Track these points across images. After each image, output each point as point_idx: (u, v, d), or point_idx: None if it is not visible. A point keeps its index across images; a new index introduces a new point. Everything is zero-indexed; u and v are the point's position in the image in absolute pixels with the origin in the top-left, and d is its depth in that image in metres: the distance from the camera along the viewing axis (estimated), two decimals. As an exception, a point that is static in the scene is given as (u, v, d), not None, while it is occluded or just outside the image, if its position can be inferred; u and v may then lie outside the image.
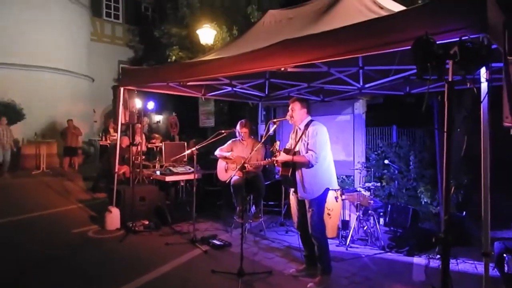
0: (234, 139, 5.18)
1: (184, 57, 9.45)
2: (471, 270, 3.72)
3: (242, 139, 5.06)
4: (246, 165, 3.77)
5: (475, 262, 3.83)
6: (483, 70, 2.22)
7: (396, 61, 2.80)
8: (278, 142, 3.53)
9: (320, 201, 3.31)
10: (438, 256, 3.97)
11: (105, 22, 16.95)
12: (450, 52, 1.74)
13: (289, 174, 3.35)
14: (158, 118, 15.17)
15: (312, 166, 3.24)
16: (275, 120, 3.71)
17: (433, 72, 1.73)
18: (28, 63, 12.59)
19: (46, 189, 8.36)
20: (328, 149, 3.37)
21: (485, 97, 2.23)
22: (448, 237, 1.77)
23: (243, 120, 5.16)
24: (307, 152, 3.25)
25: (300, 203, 3.45)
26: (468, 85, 1.96)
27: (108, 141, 10.26)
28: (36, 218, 5.84)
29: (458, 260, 3.89)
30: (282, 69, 3.29)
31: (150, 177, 6.20)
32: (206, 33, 7.81)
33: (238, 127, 5.05)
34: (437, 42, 1.76)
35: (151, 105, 7.39)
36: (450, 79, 1.77)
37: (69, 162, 11.30)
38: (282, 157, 3.37)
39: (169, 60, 9.62)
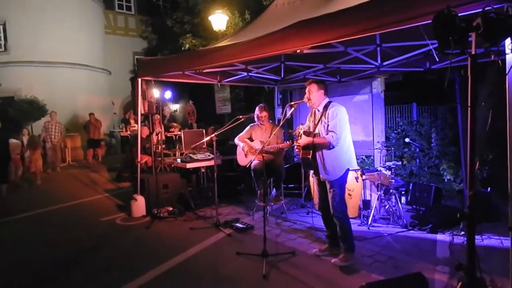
0: (252, 124, 5.21)
1: (198, 45, 9.44)
2: (497, 245, 3.68)
3: (261, 124, 5.09)
4: (265, 149, 3.79)
5: (501, 237, 3.78)
6: (508, 41, 2.14)
7: (426, 37, 2.69)
8: (301, 126, 3.50)
9: (341, 182, 3.33)
10: (463, 232, 3.94)
11: (118, 14, 17.08)
12: (473, 24, 1.68)
13: (310, 156, 3.36)
14: (175, 107, 15.34)
15: (333, 147, 3.24)
16: (292, 103, 3.69)
17: (455, 46, 1.68)
18: (48, 60, 12.95)
19: (73, 181, 8.70)
20: (348, 130, 3.35)
21: (510, 69, 2.15)
22: (473, 212, 1.76)
23: (262, 104, 5.18)
24: (327, 134, 3.25)
25: (321, 184, 3.47)
26: (492, 58, 1.90)
27: (129, 132, 10.49)
28: (68, 208, 6.12)
29: (483, 236, 3.85)
30: (298, 51, 3.26)
31: (172, 165, 6.34)
32: (219, 19, 7.75)
33: (257, 111, 5.07)
34: (459, 15, 1.70)
35: (168, 94, 7.47)
36: (473, 52, 1.73)
37: (92, 154, 11.64)
38: (303, 140, 3.37)
39: (182, 48, 9.64)
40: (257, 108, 5.12)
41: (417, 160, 5.68)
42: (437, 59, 4.33)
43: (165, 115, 9.45)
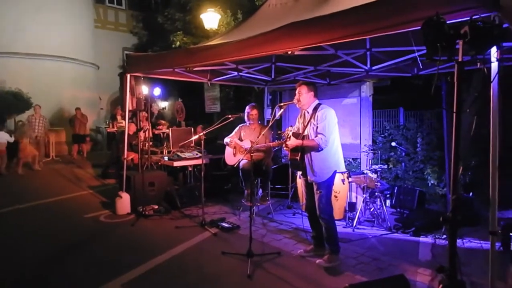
0: (241, 124, 5.21)
1: (189, 43, 9.37)
2: (477, 248, 3.76)
3: (250, 123, 5.09)
4: (253, 148, 3.78)
5: (481, 241, 3.87)
6: (493, 50, 2.19)
7: (413, 43, 2.73)
8: (290, 127, 3.50)
9: (328, 184, 3.35)
10: (445, 236, 4.02)
11: (108, 9, 16.79)
12: (461, 32, 1.72)
13: (298, 158, 3.37)
14: (163, 104, 15.20)
15: (322, 149, 3.26)
16: (282, 104, 3.71)
17: (443, 53, 1.71)
18: (34, 52, 12.62)
19: (57, 176, 8.51)
20: (336, 133, 3.38)
21: (495, 77, 2.21)
22: (456, 216, 1.79)
23: (253, 103, 5.20)
24: (316, 136, 3.27)
25: (309, 186, 3.49)
26: (478, 65, 1.94)
27: (115, 128, 10.33)
28: (49, 204, 5.99)
29: (464, 240, 3.94)
30: (289, 52, 3.27)
31: (159, 162, 6.27)
32: (210, 18, 7.71)
33: (248, 109, 5.09)
34: (448, 22, 1.73)
35: (157, 91, 7.40)
36: (460, 59, 1.76)
37: (77, 150, 11.43)
38: (292, 142, 3.38)
39: (173, 46, 9.55)
40: (247, 107, 5.13)
41: (403, 164, 5.78)
42: (421, 66, 4.42)
43: (153, 112, 9.34)
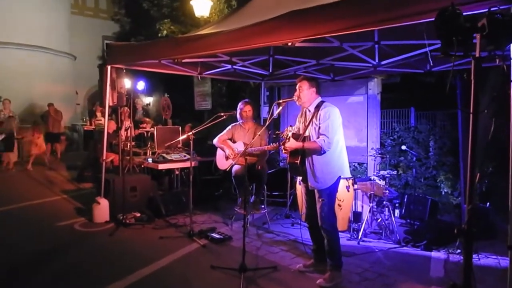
0: (234, 124, 5.20)
1: (177, 32, 9.37)
2: (494, 265, 3.79)
3: (243, 123, 5.07)
4: (248, 151, 3.77)
5: (499, 257, 3.89)
6: (514, 45, 2.22)
7: (425, 37, 2.75)
8: (290, 128, 3.48)
9: (331, 191, 3.36)
10: (459, 250, 4.04)
11: (87, -8, 16.76)
12: (478, 25, 1.74)
13: (298, 161, 3.37)
14: (148, 100, 15.15)
15: (324, 152, 3.27)
16: (280, 101, 3.71)
17: (458, 48, 1.73)
18: (2, 40, 12.50)
19: (27, 180, 8.43)
20: (341, 134, 3.39)
21: (515, 75, 2.23)
22: (471, 228, 1.81)
23: (246, 99, 5.19)
24: (318, 137, 3.28)
25: (309, 193, 3.50)
26: (497, 62, 1.96)
27: (94, 126, 10.28)
28: (16, 211, 5.93)
29: (479, 255, 3.96)
30: (289, 44, 3.28)
31: (142, 165, 6.25)
32: (201, 4, 7.71)
33: (240, 105, 5.07)
34: (464, 14, 1.75)
35: (141, 85, 7.39)
36: (477, 55, 1.78)
37: (50, 150, 11.34)
38: (291, 144, 3.37)
39: (159, 35, 9.56)
40: (240, 103, 5.11)
41: (413, 170, 5.81)
42: (433, 63, 4.45)
43: (136, 109, 9.32)
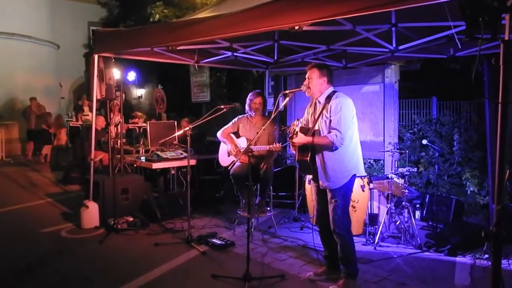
0: (240, 116, 5.20)
1: (171, 16, 9.38)
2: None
3: (251, 116, 5.07)
4: (249, 149, 3.76)
5: (532, 262, 3.90)
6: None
7: (449, 18, 2.73)
8: (297, 121, 3.45)
9: (345, 191, 3.36)
10: (486, 255, 4.04)
11: (70, -27, 16.79)
12: (507, 4, 1.73)
13: (308, 159, 3.38)
14: (140, 92, 15.20)
15: (336, 148, 3.27)
16: (287, 91, 3.71)
17: (485, 30, 1.72)
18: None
19: (7, 182, 8.51)
20: (354, 128, 3.39)
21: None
22: (501, 231, 1.81)
23: (258, 90, 5.19)
24: (329, 132, 3.28)
25: (320, 193, 3.51)
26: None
27: (80, 122, 10.34)
28: (-3, 216, 5.99)
29: (509, 260, 3.96)
30: (296, 27, 3.28)
31: (134, 164, 6.28)
32: (198, -15, 7.72)
33: (250, 96, 5.07)
34: (491, -9, 1.74)
35: (132, 76, 7.42)
36: (506, 38, 1.77)
37: (33, 149, 11.42)
38: (300, 139, 3.35)
39: (151, 20, 9.57)
40: (250, 93, 5.11)
41: (436, 167, 5.79)
42: (459, 46, 4.42)
43: (127, 101, 9.36)
